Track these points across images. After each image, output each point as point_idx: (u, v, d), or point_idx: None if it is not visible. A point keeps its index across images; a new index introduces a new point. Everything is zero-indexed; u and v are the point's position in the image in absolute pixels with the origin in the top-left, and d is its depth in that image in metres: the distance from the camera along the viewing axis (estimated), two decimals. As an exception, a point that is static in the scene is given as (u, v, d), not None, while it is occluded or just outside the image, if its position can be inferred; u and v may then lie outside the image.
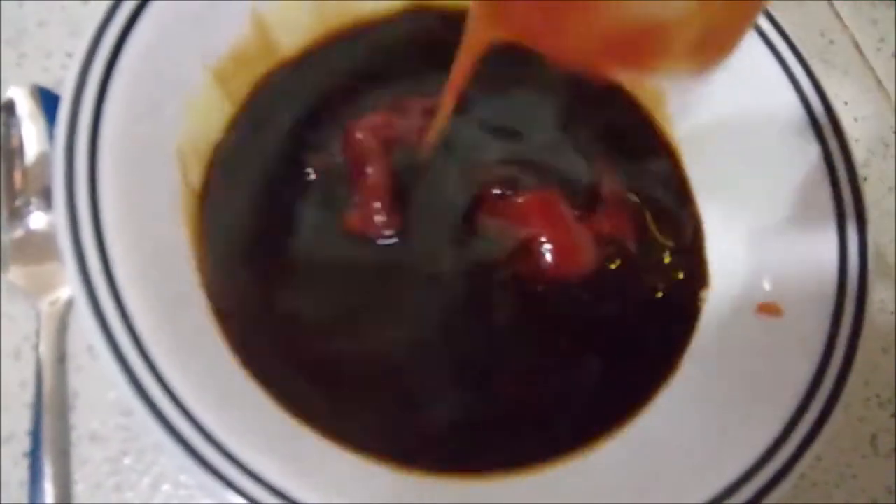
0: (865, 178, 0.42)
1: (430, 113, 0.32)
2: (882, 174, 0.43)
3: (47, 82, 0.37)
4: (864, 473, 0.36)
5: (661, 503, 0.27)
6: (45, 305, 0.33)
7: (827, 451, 0.35)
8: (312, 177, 0.33)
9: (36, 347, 0.32)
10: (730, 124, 0.35)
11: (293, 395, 0.29)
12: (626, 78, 0.22)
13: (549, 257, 0.32)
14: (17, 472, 0.31)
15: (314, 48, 0.36)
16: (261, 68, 0.34)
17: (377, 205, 0.32)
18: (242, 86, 0.34)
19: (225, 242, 0.31)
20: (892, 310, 0.40)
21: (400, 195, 0.32)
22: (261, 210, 0.32)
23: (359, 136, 0.33)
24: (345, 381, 0.30)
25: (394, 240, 0.32)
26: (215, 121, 0.33)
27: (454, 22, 0.29)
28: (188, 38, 0.32)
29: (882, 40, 0.47)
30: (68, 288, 0.33)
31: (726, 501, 0.27)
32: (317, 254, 0.32)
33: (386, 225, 0.32)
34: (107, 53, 0.29)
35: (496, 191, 0.33)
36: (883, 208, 0.42)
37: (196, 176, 0.32)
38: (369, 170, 0.32)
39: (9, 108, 0.35)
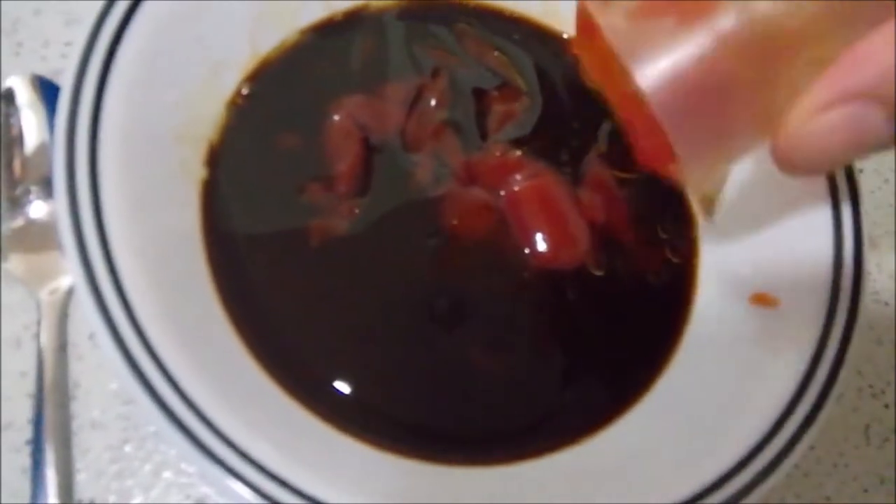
0: (861, 170, 0.42)
1: (408, 98, 0.34)
2: (878, 165, 0.43)
3: (45, 71, 0.37)
4: (857, 463, 0.36)
5: (657, 489, 0.28)
6: (45, 294, 0.33)
7: (820, 441, 0.36)
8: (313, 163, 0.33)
9: (36, 336, 0.33)
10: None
11: (298, 383, 0.29)
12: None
13: (543, 247, 0.32)
14: (20, 460, 0.31)
15: (317, 33, 0.36)
16: (258, 59, 0.34)
17: (342, 187, 0.32)
18: (243, 74, 0.34)
19: (229, 228, 0.31)
20: (886, 300, 0.40)
21: (369, 179, 0.33)
22: (265, 195, 0.32)
23: (336, 117, 0.33)
24: (350, 368, 0.30)
25: (375, 225, 0.32)
26: (216, 109, 0.33)
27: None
28: (188, 27, 0.32)
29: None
30: (68, 277, 0.33)
31: (719, 490, 0.27)
32: (325, 237, 0.32)
33: (344, 207, 0.32)
34: (107, 42, 0.29)
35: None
36: (878, 200, 0.42)
37: (198, 163, 0.32)
38: (342, 150, 0.33)
39: (8, 97, 0.35)
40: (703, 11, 0.22)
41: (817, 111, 0.20)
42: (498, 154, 0.34)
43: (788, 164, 0.22)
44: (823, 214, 0.31)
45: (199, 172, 0.32)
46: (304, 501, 0.25)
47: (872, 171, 0.43)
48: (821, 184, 0.32)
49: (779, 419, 0.28)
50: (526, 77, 0.36)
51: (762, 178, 0.33)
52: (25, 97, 0.35)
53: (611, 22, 0.23)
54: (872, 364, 0.39)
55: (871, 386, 0.38)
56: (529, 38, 0.37)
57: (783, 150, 0.22)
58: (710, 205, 0.28)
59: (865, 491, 0.36)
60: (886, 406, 0.38)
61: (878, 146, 0.21)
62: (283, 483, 0.25)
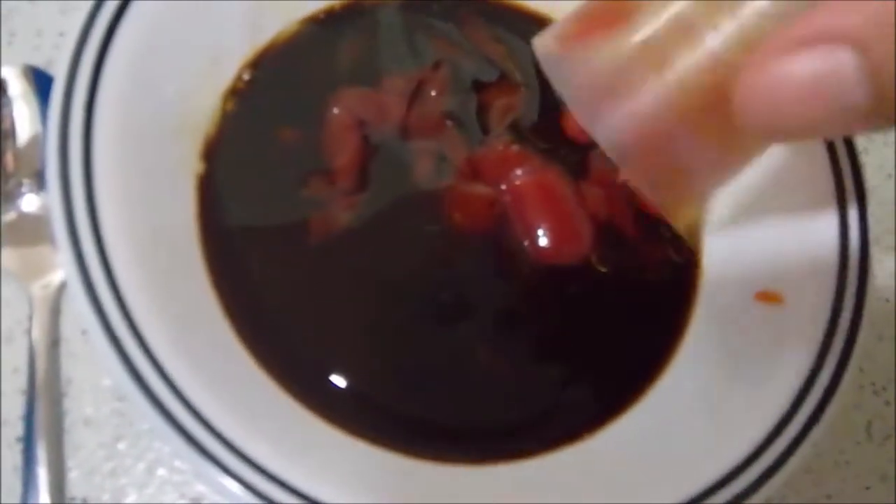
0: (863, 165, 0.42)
1: (409, 91, 0.33)
2: (882, 161, 0.43)
3: (38, 61, 0.36)
4: (859, 460, 0.36)
5: (661, 488, 0.27)
6: (37, 289, 0.33)
7: (821, 438, 0.35)
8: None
9: (28, 332, 0.32)
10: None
11: (295, 379, 0.29)
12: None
13: (545, 242, 0.32)
14: (11, 457, 0.31)
15: (316, 23, 0.35)
16: (256, 49, 0.34)
17: (342, 181, 0.32)
18: (241, 65, 0.34)
19: (225, 222, 0.31)
20: (887, 297, 0.40)
21: (369, 173, 0.32)
22: (262, 189, 0.32)
23: (335, 110, 0.33)
24: (348, 363, 0.30)
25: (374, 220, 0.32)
26: (213, 102, 0.33)
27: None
28: (185, 17, 0.31)
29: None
30: (61, 271, 0.33)
31: (724, 489, 0.27)
32: (324, 232, 0.31)
33: (344, 201, 0.32)
34: (102, 32, 0.29)
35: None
36: (880, 196, 0.42)
37: (194, 156, 0.32)
38: (341, 144, 0.32)
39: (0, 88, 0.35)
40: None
41: (783, 51, 0.17)
42: (500, 148, 0.33)
43: (747, 115, 0.18)
44: (829, 211, 0.31)
45: (195, 166, 0.31)
46: (300, 500, 0.24)
47: (876, 167, 0.43)
48: (826, 181, 0.31)
49: (783, 418, 0.28)
50: (524, 69, 0.36)
51: (767, 176, 0.33)
52: (18, 88, 0.35)
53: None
54: (873, 361, 0.38)
55: (872, 383, 0.38)
56: (529, 29, 0.37)
57: (741, 98, 0.18)
58: (693, 234, 0.27)
59: (867, 488, 0.36)
60: (888, 403, 0.38)
61: (846, 110, 0.17)
62: (278, 481, 0.25)
